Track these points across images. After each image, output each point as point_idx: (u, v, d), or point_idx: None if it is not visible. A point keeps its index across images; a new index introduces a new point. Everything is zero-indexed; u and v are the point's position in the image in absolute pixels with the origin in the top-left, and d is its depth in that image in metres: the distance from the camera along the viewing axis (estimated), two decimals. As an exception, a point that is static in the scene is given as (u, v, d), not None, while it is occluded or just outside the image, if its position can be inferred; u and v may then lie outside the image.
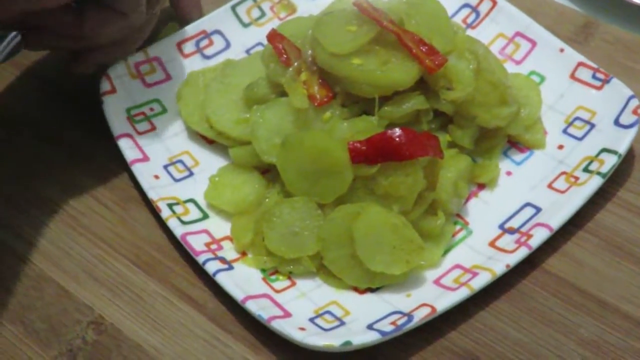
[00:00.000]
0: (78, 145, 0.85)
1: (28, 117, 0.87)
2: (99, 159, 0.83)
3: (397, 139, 0.70)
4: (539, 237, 0.71)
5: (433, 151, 0.71)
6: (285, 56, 0.77)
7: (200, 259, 0.71)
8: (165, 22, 0.94)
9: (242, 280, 0.71)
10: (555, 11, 0.94)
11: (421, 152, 0.70)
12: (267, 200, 0.75)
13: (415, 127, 0.75)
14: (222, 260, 0.72)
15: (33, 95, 0.90)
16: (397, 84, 0.74)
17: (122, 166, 0.81)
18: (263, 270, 0.73)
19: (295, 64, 0.76)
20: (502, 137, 0.80)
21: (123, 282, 0.74)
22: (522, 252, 0.70)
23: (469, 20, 0.90)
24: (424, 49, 0.74)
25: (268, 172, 0.78)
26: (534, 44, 0.86)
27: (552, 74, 0.84)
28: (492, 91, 0.76)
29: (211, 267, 0.71)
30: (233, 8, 0.91)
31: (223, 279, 0.70)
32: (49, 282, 0.74)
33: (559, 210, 0.73)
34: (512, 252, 0.71)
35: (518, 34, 0.87)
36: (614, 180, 0.77)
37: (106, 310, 0.72)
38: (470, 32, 0.89)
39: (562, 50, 0.84)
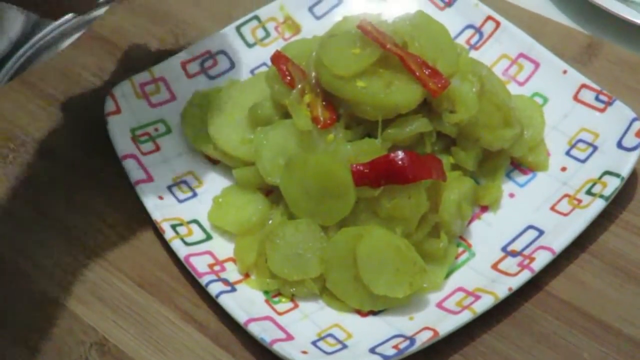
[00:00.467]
0: (84, 163, 0.85)
1: (34, 136, 0.88)
2: (106, 178, 0.83)
3: (400, 162, 0.70)
4: (541, 260, 0.71)
5: (436, 174, 0.72)
6: (289, 77, 0.78)
7: (204, 280, 0.71)
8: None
9: (245, 302, 0.71)
10: (559, 32, 0.94)
11: (424, 174, 0.71)
12: (270, 221, 0.76)
13: (418, 149, 0.76)
14: (225, 282, 0.72)
15: (40, 113, 0.90)
16: (401, 106, 0.74)
17: (128, 185, 0.81)
18: (266, 292, 0.73)
19: (299, 85, 0.77)
20: (505, 158, 0.80)
21: (127, 303, 0.74)
22: (525, 275, 0.70)
23: (472, 41, 0.90)
24: (427, 72, 0.74)
25: (272, 193, 0.79)
26: (537, 65, 0.86)
27: (555, 95, 0.84)
28: (495, 113, 0.77)
29: (214, 288, 0.71)
30: (238, 28, 0.92)
31: (226, 301, 0.70)
32: (53, 302, 0.74)
33: (562, 233, 0.73)
34: (514, 275, 0.71)
35: (521, 55, 0.87)
36: (618, 203, 0.77)
37: (110, 332, 0.72)
38: (473, 53, 0.89)
39: (565, 71, 0.84)
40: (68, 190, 0.83)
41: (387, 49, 0.74)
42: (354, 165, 0.71)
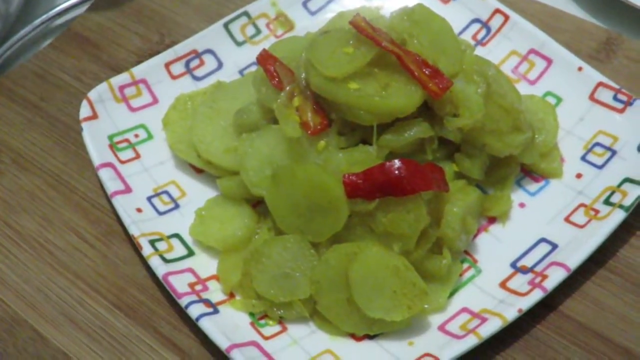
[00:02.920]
0: (60, 174, 0.80)
1: (9, 144, 0.82)
2: (82, 190, 0.78)
3: (397, 172, 0.63)
4: (555, 278, 0.65)
5: (437, 185, 0.65)
6: (276, 79, 0.71)
7: (183, 302, 0.65)
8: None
9: (229, 326, 0.65)
10: (575, 26, 0.87)
11: (424, 186, 0.64)
12: (257, 236, 0.69)
13: (418, 156, 0.69)
14: (207, 303, 0.66)
15: (16, 120, 0.85)
16: (398, 110, 0.67)
17: (105, 197, 0.76)
18: (252, 314, 0.67)
19: (288, 87, 0.70)
20: (515, 166, 0.73)
21: (102, 326, 0.69)
22: (536, 295, 0.64)
23: (479, 37, 0.84)
24: (427, 72, 0.68)
25: (260, 204, 0.72)
26: (549, 62, 0.80)
27: (569, 95, 0.78)
28: (503, 117, 0.70)
29: (194, 311, 0.65)
30: (226, 25, 0.85)
31: (207, 325, 0.64)
32: (22, 325, 0.69)
33: (578, 247, 0.67)
34: (525, 294, 0.64)
35: (532, 51, 0.81)
36: (639, 213, 0.70)
37: (83, 358, 0.67)
38: (480, 50, 0.83)
39: (580, 69, 0.78)
40: (43, 203, 0.78)
41: (383, 47, 0.67)
42: (346, 176, 0.64)
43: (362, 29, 0.68)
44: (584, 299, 0.68)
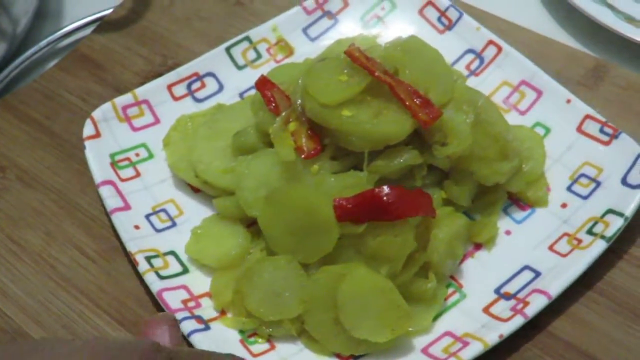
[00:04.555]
0: (64, 191, 0.82)
1: (14, 161, 0.85)
2: (84, 207, 0.80)
3: (386, 197, 0.66)
4: (536, 304, 0.67)
5: (424, 210, 0.67)
6: (274, 104, 0.74)
7: (176, 317, 0.68)
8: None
9: (219, 342, 0.67)
10: (564, 53, 0.90)
11: (411, 211, 0.66)
12: (249, 256, 0.72)
13: (408, 182, 0.71)
14: (199, 319, 0.68)
15: (22, 138, 0.87)
16: (389, 137, 0.70)
17: (107, 214, 0.77)
18: (242, 332, 0.69)
19: (284, 113, 0.73)
20: (502, 193, 0.75)
21: None
22: (518, 321, 0.66)
23: (472, 67, 0.86)
24: (418, 101, 0.70)
25: (254, 224, 0.74)
26: (540, 93, 0.82)
27: (558, 125, 0.80)
28: (491, 145, 0.72)
29: (186, 326, 0.67)
30: (228, 50, 0.88)
31: (198, 341, 0.66)
32: (25, 338, 0.71)
33: (560, 275, 0.68)
34: (506, 320, 0.66)
35: (523, 82, 0.83)
36: (626, 237, 0.72)
37: None
38: (473, 79, 0.85)
39: (569, 100, 0.80)
40: (47, 219, 0.80)
41: (376, 76, 0.70)
42: (337, 200, 0.66)
43: (356, 59, 0.71)
44: (571, 320, 0.69)
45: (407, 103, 0.70)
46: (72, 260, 0.76)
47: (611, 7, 0.91)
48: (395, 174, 0.71)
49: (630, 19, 0.90)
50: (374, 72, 0.70)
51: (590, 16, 0.90)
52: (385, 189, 0.66)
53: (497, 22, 0.91)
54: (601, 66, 0.88)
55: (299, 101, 0.73)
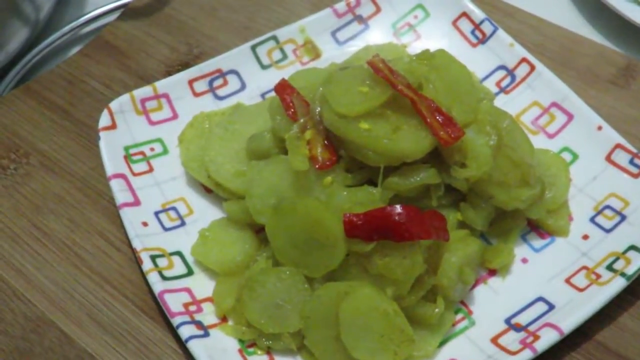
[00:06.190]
0: (88, 178, 0.81)
1: (38, 148, 0.84)
2: (109, 194, 0.78)
3: (397, 217, 0.63)
4: (546, 339, 0.64)
5: (436, 234, 0.65)
6: (292, 110, 0.72)
7: (175, 321, 0.66)
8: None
9: (217, 350, 0.66)
10: (596, 51, 0.87)
11: (422, 234, 0.64)
12: (254, 264, 0.70)
13: (423, 202, 0.69)
14: (199, 325, 0.67)
15: (44, 123, 0.86)
16: (406, 154, 0.67)
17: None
18: (241, 341, 0.68)
19: (302, 120, 0.71)
20: (521, 219, 0.73)
21: (128, 328, 0.70)
22: (526, 355, 0.63)
23: (503, 84, 0.83)
24: (440, 119, 0.68)
25: (263, 230, 0.72)
26: (570, 117, 0.79)
27: (586, 153, 0.77)
28: (512, 170, 0.69)
29: (185, 332, 0.65)
30: (253, 48, 0.86)
31: (195, 347, 0.65)
32: (49, 325, 0.70)
33: (574, 311, 0.66)
34: (514, 353, 0.64)
35: (554, 104, 0.80)
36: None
37: (108, 359, 0.68)
38: (503, 97, 0.82)
39: (600, 127, 0.76)
40: (71, 206, 0.79)
41: (398, 90, 0.68)
42: (347, 215, 0.64)
43: (379, 70, 0.68)
44: (603, 319, 0.68)
45: (428, 120, 0.67)
46: (96, 247, 0.76)
47: (642, 5, 0.89)
48: (410, 192, 0.68)
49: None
50: (396, 86, 0.68)
51: (621, 13, 0.88)
52: (398, 208, 0.63)
53: (527, 18, 0.89)
54: (633, 65, 0.85)
55: (318, 109, 0.71)
